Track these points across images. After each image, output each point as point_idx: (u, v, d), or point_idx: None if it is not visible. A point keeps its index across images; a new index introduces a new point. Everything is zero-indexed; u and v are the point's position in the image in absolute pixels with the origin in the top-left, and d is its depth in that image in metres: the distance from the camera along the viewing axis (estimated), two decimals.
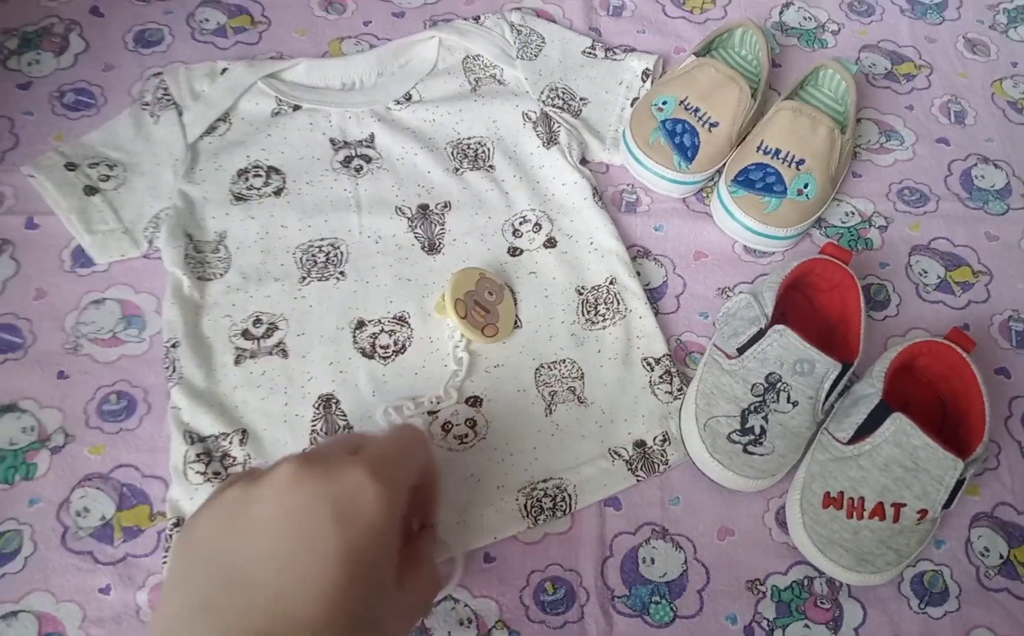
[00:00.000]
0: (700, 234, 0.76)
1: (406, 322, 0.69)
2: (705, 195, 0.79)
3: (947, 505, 0.60)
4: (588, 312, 0.70)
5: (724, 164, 0.77)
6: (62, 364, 0.66)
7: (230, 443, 0.62)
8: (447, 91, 0.81)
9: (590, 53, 0.85)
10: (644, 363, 0.68)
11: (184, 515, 0.60)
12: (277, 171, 0.75)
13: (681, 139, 0.75)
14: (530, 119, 0.79)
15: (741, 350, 0.64)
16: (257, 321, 0.68)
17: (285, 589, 0.39)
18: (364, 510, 0.41)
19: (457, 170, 0.76)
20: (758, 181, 0.73)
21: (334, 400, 0.65)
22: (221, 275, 0.69)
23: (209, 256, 0.70)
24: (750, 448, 0.62)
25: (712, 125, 0.75)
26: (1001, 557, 0.64)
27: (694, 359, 0.70)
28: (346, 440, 0.48)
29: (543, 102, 0.80)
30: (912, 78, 0.90)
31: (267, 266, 0.70)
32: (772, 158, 0.73)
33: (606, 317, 0.70)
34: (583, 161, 0.79)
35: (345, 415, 0.65)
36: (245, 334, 0.67)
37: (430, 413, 0.65)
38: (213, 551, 0.41)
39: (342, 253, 0.71)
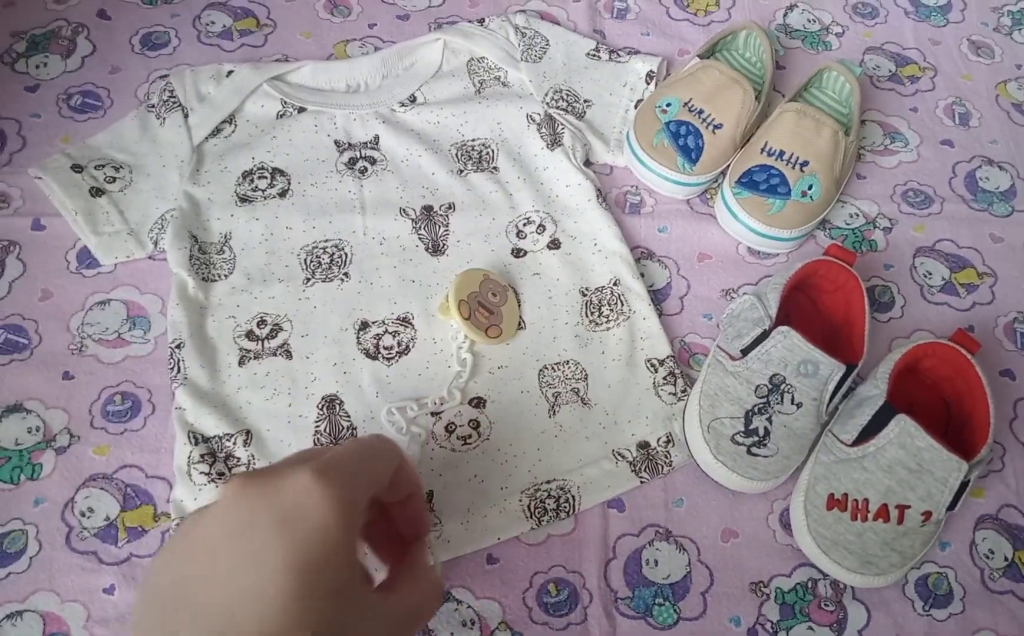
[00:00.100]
0: (704, 236, 0.76)
1: (410, 323, 0.69)
2: (709, 197, 0.79)
3: (951, 507, 0.60)
4: (592, 313, 0.70)
5: (728, 166, 0.77)
6: (67, 365, 0.66)
7: (234, 444, 0.63)
8: (451, 93, 0.81)
9: (594, 55, 0.85)
10: (648, 364, 0.68)
11: (187, 515, 0.60)
12: (282, 173, 0.75)
13: (685, 141, 0.75)
14: (534, 121, 0.79)
15: (745, 351, 0.64)
16: (261, 322, 0.68)
17: (233, 608, 0.37)
18: (310, 514, 0.39)
19: (461, 172, 0.76)
20: (762, 183, 0.73)
21: (338, 401, 0.65)
22: (226, 276, 0.69)
23: (214, 257, 0.70)
24: (754, 450, 0.62)
25: (716, 127, 0.75)
26: (1006, 559, 0.64)
27: (698, 361, 0.70)
28: (304, 453, 0.46)
29: (547, 104, 0.80)
30: (916, 80, 0.90)
31: (271, 267, 0.70)
32: (776, 160, 0.73)
33: (610, 318, 0.70)
34: (587, 163, 0.79)
35: (349, 416, 0.65)
36: (249, 335, 0.67)
37: (433, 414, 0.65)
38: (165, 583, 0.39)
39: (346, 254, 0.71)
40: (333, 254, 0.71)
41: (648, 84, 0.83)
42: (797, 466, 0.64)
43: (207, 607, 0.37)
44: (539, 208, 0.75)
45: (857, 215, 0.79)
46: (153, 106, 0.77)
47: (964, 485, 0.59)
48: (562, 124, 0.79)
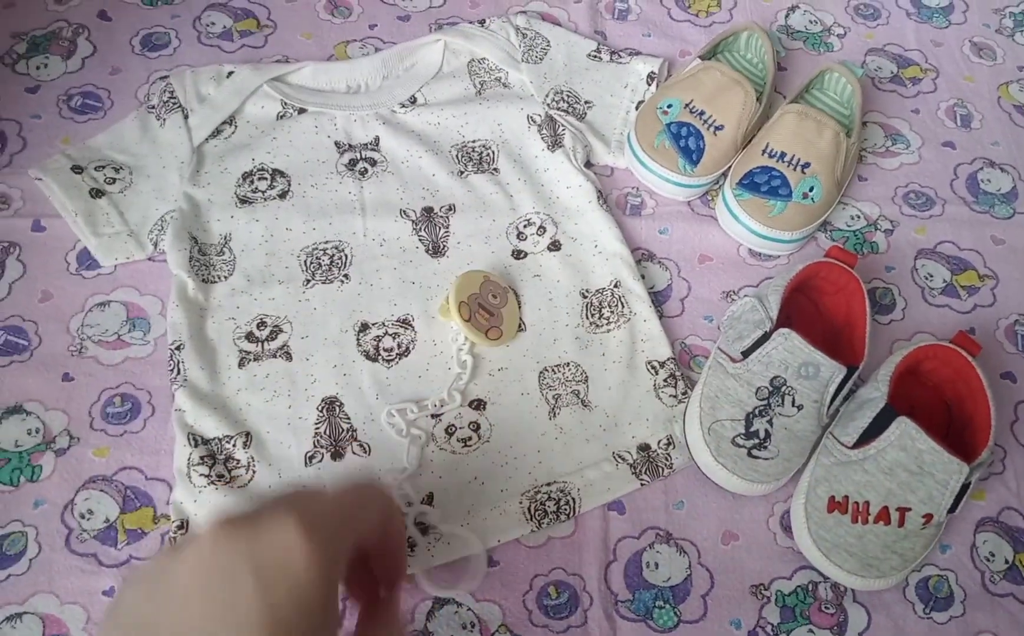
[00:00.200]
0: (705, 237, 0.76)
1: (410, 325, 0.69)
2: (710, 198, 0.79)
3: (952, 509, 0.59)
4: (592, 315, 0.70)
5: (729, 167, 0.77)
6: (67, 366, 0.66)
7: (234, 446, 0.63)
8: (452, 94, 0.81)
9: (595, 56, 0.85)
10: (648, 366, 0.68)
11: (187, 517, 0.60)
12: (282, 174, 0.75)
13: (686, 142, 0.75)
14: (535, 122, 0.79)
15: (746, 353, 0.63)
16: (261, 324, 0.68)
17: None
18: (291, 572, 0.37)
19: (462, 173, 0.76)
20: (763, 184, 0.73)
21: (338, 403, 0.65)
22: (226, 278, 0.69)
23: (214, 259, 0.70)
24: (755, 452, 0.62)
25: (717, 128, 0.75)
26: (1006, 562, 0.64)
27: (698, 363, 0.70)
28: (290, 496, 0.43)
29: (548, 105, 0.80)
30: (918, 82, 0.90)
31: (271, 269, 0.70)
32: (777, 161, 0.73)
33: (610, 320, 0.70)
34: (588, 164, 0.79)
35: (349, 418, 0.65)
36: (249, 337, 0.67)
37: (434, 416, 0.65)
38: (132, 621, 0.37)
39: (346, 256, 0.71)
40: (333, 255, 0.71)
41: (649, 85, 0.83)
42: (798, 468, 0.63)
43: None
44: (540, 210, 0.75)
45: (858, 217, 0.79)
46: (153, 107, 0.77)
47: (965, 487, 0.59)
48: (563, 125, 0.79)
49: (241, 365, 0.66)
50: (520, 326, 0.69)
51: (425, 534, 0.60)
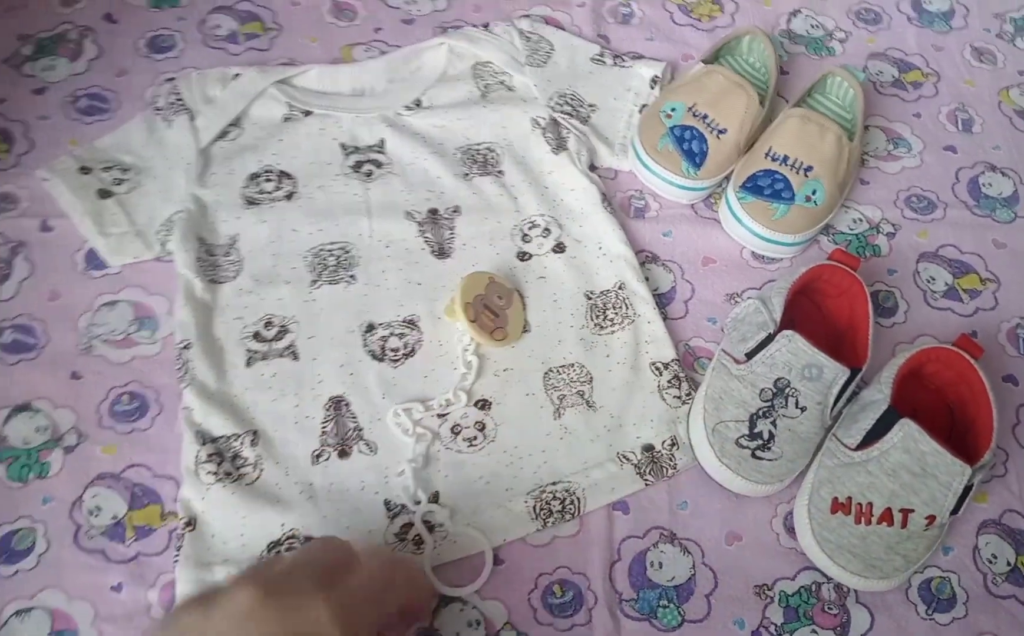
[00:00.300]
0: (708, 240, 0.77)
1: (416, 325, 0.69)
2: (713, 201, 0.79)
3: (955, 511, 0.60)
4: (597, 317, 0.71)
5: (732, 170, 0.77)
6: (75, 365, 0.66)
7: (241, 444, 0.63)
8: (457, 97, 0.81)
9: (599, 60, 0.85)
10: (652, 368, 0.69)
11: (195, 515, 0.60)
12: (288, 176, 0.75)
13: (689, 145, 0.76)
14: (539, 125, 0.80)
15: (750, 355, 0.64)
16: (268, 323, 0.68)
17: None
18: None
19: (467, 175, 0.77)
20: (766, 187, 0.73)
21: (344, 402, 0.66)
22: (233, 278, 0.70)
23: (221, 259, 0.70)
24: (758, 453, 0.62)
25: (720, 132, 0.76)
26: (1008, 564, 0.64)
27: (702, 364, 0.71)
28: (324, 564, 0.45)
29: (552, 108, 0.81)
30: (919, 86, 0.90)
31: (278, 269, 0.71)
32: (780, 164, 0.74)
33: (615, 322, 0.71)
34: (592, 167, 0.79)
35: (355, 417, 0.65)
36: (256, 336, 0.68)
37: (439, 416, 0.65)
38: None
39: (352, 257, 0.72)
40: (339, 256, 0.72)
41: (652, 89, 0.84)
42: (801, 470, 0.64)
43: None
44: (544, 212, 0.75)
45: (861, 220, 0.80)
46: (160, 109, 0.77)
47: (968, 489, 0.60)
48: (567, 128, 0.80)
49: (248, 364, 0.66)
50: (525, 327, 0.70)
51: (431, 533, 0.61)
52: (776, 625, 0.61)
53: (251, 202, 0.73)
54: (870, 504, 0.60)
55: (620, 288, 0.72)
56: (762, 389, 0.63)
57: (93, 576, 0.59)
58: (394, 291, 0.71)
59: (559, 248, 0.74)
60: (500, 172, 0.78)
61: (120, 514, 0.61)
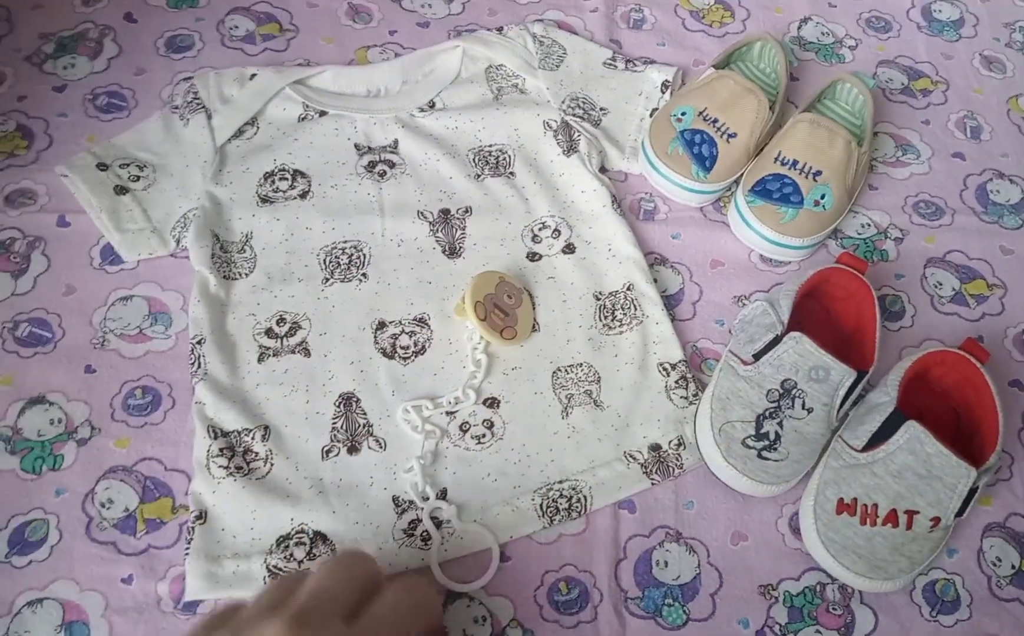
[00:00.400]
0: (717, 243, 0.77)
1: (426, 324, 0.70)
2: (722, 204, 0.80)
3: (960, 513, 0.60)
4: (605, 317, 0.71)
5: (741, 174, 0.78)
6: (89, 358, 0.67)
7: (252, 439, 0.64)
8: (470, 99, 0.82)
9: (610, 64, 0.86)
10: (660, 368, 0.69)
11: (206, 508, 0.61)
12: (303, 174, 0.76)
13: (699, 149, 0.76)
14: (551, 128, 0.80)
15: (757, 356, 0.64)
16: (281, 320, 0.69)
17: None
18: None
19: (478, 176, 0.78)
20: (775, 191, 0.74)
21: (355, 399, 0.66)
22: (247, 275, 0.71)
23: (235, 256, 0.71)
24: (764, 454, 0.63)
25: (730, 136, 0.76)
26: (1013, 567, 0.64)
27: (710, 365, 0.71)
28: (349, 589, 0.45)
29: (564, 111, 0.82)
30: (928, 93, 0.91)
31: (291, 267, 0.71)
32: (789, 169, 0.74)
33: (623, 322, 0.71)
34: (602, 169, 0.80)
35: (365, 414, 0.66)
36: (269, 332, 0.68)
37: (448, 413, 0.66)
38: None
39: (365, 255, 0.73)
40: (352, 255, 0.72)
41: (663, 93, 0.84)
42: (807, 470, 0.64)
43: None
44: (555, 213, 0.76)
45: (869, 225, 0.80)
46: (177, 107, 0.78)
47: (973, 492, 0.60)
48: (578, 131, 0.80)
49: (260, 360, 0.67)
50: (534, 326, 0.70)
51: (439, 529, 0.61)
52: (780, 625, 0.61)
53: (266, 200, 0.74)
54: (875, 505, 0.60)
55: (629, 289, 0.72)
56: (769, 390, 0.64)
57: (104, 568, 0.59)
58: (405, 290, 0.71)
59: (569, 249, 0.74)
60: (512, 173, 0.78)
61: (132, 507, 0.62)
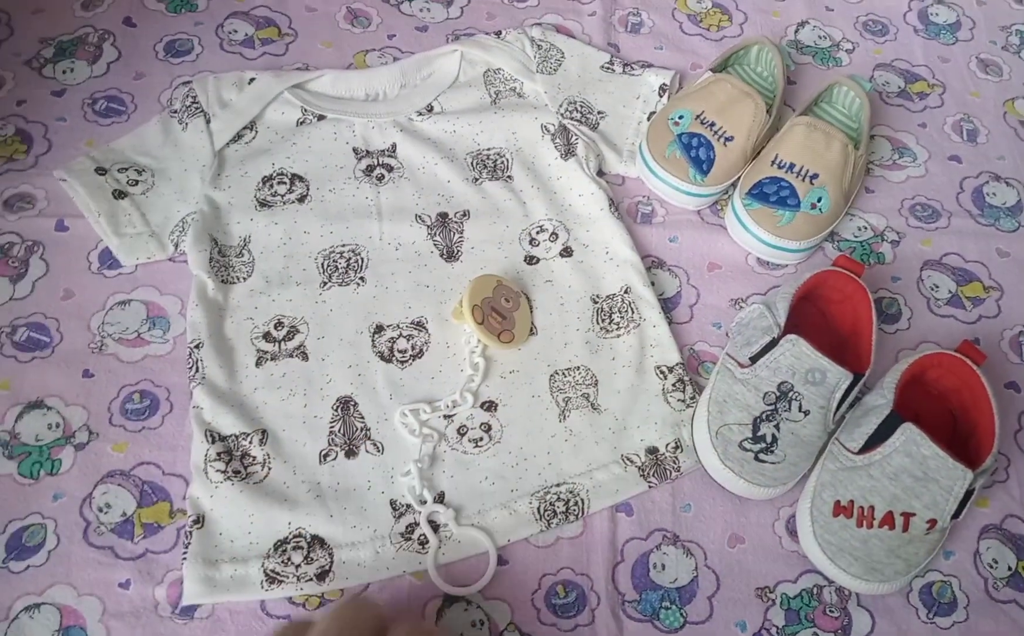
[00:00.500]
0: (714, 246, 0.78)
1: (424, 327, 0.70)
2: (719, 207, 0.80)
3: (956, 515, 0.60)
4: (603, 320, 0.71)
5: (739, 177, 0.78)
6: (88, 363, 0.67)
7: (250, 443, 0.64)
8: (468, 103, 0.82)
9: (608, 68, 0.86)
10: (657, 371, 0.69)
11: (203, 512, 0.61)
12: (301, 178, 0.76)
13: (697, 152, 0.76)
14: (548, 131, 0.81)
15: (754, 359, 0.64)
16: (279, 324, 0.69)
17: None
18: None
19: (476, 180, 0.78)
20: (772, 194, 0.74)
21: (352, 402, 0.66)
22: (245, 279, 0.71)
23: (233, 260, 0.71)
24: (761, 456, 0.63)
25: (727, 139, 0.77)
26: (1009, 569, 0.64)
27: (707, 368, 0.71)
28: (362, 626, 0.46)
29: (562, 115, 0.82)
30: (925, 96, 0.91)
31: (289, 271, 0.72)
32: (786, 172, 0.74)
33: (620, 325, 0.71)
34: (600, 173, 0.80)
35: (363, 417, 0.66)
36: (267, 336, 0.69)
37: (446, 416, 0.66)
38: None
39: (363, 259, 0.73)
40: (350, 259, 0.73)
41: (661, 97, 0.85)
42: (804, 473, 0.64)
43: None
44: (552, 216, 0.76)
45: (865, 228, 0.80)
46: (176, 111, 0.78)
47: (969, 494, 0.60)
48: (576, 135, 0.80)
49: (258, 364, 0.67)
50: (532, 330, 0.71)
51: (436, 532, 0.61)
52: (778, 627, 0.61)
53: (264, 204, 0.74)
54: (872, 507, 0.60)
55: (626, 292, 0.73)
56: (766, 393, 0.64)
57: (102, 572, 0.59)
58: (403, 293, 0.71)
59: (566, 252, 0.75)
60: (509, 177, 0.78)
61: (129, 511, 0.62)
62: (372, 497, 0.63)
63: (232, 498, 0.61)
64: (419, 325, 0.70)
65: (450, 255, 0.74)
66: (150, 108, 0.81)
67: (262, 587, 0.59)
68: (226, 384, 0.66)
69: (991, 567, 0.64)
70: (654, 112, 0.83)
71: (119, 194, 0.73)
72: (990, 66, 0.94)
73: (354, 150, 0.79)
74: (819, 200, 0.74)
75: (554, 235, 0.75)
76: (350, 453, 0.64)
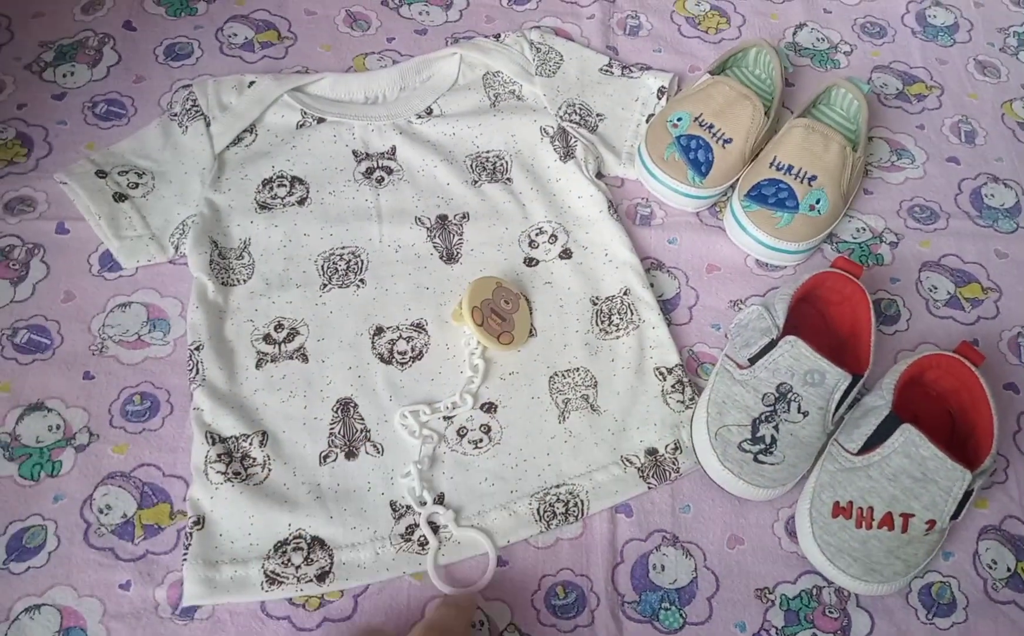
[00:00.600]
0: (713, 247, 0.78)
1: (424, 329, 0.70)
2: (718, 209, 0.80)
3: (955, 516, 0.60)
4: (602, 322, 0.72)
5: (737, 179, 0.78)
6: (88, 365, 0.68)
7: (250, 444, 0.64)
8: (467, 106, 0.82)
9: (607, 71, 0.87)
10: (657, 373, 0.70)
11: (204, 514, 0.61)
12: (301, 181, 0.77)
13: (695, 154, 0.77)
14: (547, 134, 0.81)
15: (753, 360, 0.65)
16: (279, 326, 0.69)
17: None
18: None
19: (476, 182, 0.78)
20: (771, 196, 0.74)
21: (352, 404, 0.66)
22: (245, 281, 0.71)
23: (233, 262, 0.72)
24: (760, 457, 0.63)
25: (726, 141, 0.77)
26: (1008, 570, 0.64)
27: (706, 369, 0.71)
28: None
29: (561, 117, 0.82)
30: (923, 98, 0.91)
31: (289, 273, 0.72)
32: (785, 174, 0.74)
33: (620, 327, 0.71)
34: (599, 175, 0.80)
35: (363, 419, 0.66)
36: (267, 338, 0.69)
37: (446, 418, 0.66)
38: None
39: (362, 261, 0.73)
40: (350, 261, 0.73)
41: (660, 99, 0.85)
42: (803, 474, 0.64)
43: None
44: (551, 218, 0.76)
45: (864, 230, 0.81)
46: (176, 114, 0.79)
47: (968, 495, 0.60)
48: (575, 137, 0.81)
49: (258, 366, 0.67)
50: (531, 331, 0.71)
51: (436, 533, 0.61)
52: (777, 628, 0.61)
53: (264, 207, 0.75)
54: (871, 508, 0.60)
55: (625, 294, 0.73)
56: (765, 394, 0.64)
57: (102, 574, 0.60)
58: (403, 295, 0.72)
59: (566, 254, 0.75)
60: (509, 179, 0.79)
61: (130, 513, 0.62)
62: (372, 498, 0.63)
63: (232, 499, 0.61)
64: (419, 327, 0.70)
65: (450, 257, 0.74)
66: (150, 111, 0.81)
67: (262, 588, 0.59)
68: (226, 386, 0.66)
69: (990, 568, 0.64)
70: (653, 114, 0.84)
71: (119, 197, 0.73)
72: (988, 68, 0.94)
73: (354, 153, 0.79)
74: (817, 202, 0.74)
75: (553, 237, 0.75)
76: (350, 454, 0.65)
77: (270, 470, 0.63)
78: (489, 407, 0.67)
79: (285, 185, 0.76)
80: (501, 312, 0.69)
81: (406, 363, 0.69)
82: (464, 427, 0.66)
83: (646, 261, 0.76)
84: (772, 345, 0.64)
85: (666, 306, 0.74)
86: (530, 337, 0.70)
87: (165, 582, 0.60)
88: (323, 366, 0.68)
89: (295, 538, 0.61)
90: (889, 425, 0.62)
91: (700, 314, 0.74)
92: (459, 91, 0.83)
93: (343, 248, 0.73)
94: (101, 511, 0.62)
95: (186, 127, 0.78)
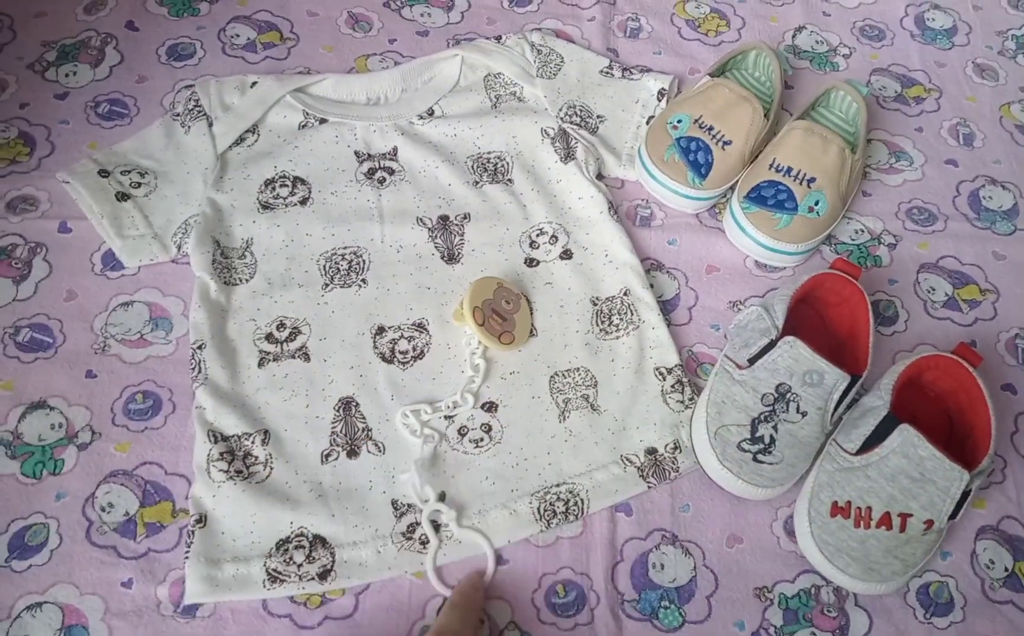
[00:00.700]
0: (712, 248, 0.78)
1: (425, 329, 0.70)
2: (718, 211, 0.80)
3: (953, 516, 0.61)
4: (602, 322, 0.72)
5: (737, 181, 0.78)
6: (90, 363, 0.68)
7: (252, 443, 0.64)
8: (468, 107, 0.83)
9: (607, 73, 0.87)
10: (656, 373, 0.70)
11: (206, 512, 0.61)
12: (303, 181, 0.77)
13: (695, 156, 0.77)
14: (548, 135, 0.81)
15: (752, 361, 0.65)
16: (281, 325, 0.70)
17: None
18: None
19: (477, 183, 0.78)
20: (770, 198, 0.74)
21: (354, 403, 0.67)
22: (247, 280, 0.71)
23: (236, 262, 0.72)
24: (759, 457, 0.63)
25: (725, 143, 0.77)
26: (1006, 570, 0.65)
27: (705, 370, 0.72)
28: None
29: (561, 119, 0.82)
30: (922, 101, 0.92)
31: (291, 272, 0.72)
32: (784, 176, 0.75)
33: (620, 327, 0.72)
34: (599, 176, 0.81)
35: (364, 418, 0.66)
36: (269, 338, 0.69)
37: (447, 417, 0.67)
38: None
39: (364, 261, 0.73)
40: (351, 261, 0.73)
41: (660, 101, 0.85)
42: (802, 474, 0.65)
43: None
44: (552, 219, 0.77)
45: (862, 231, 0.81)
46: (178, 115, 0.79)
47: (966, 495, 0.60)
48: (575, 138, 0.81)
49: (260, 365, 0.68)
50: (532, 331, 0.71)
51: (437, 532, 0.62)
52: (776, 627, 0.61)
53: (266, 207, 0.75)
54: (869, 508, 0.61)
55: (625, 294, 0.73)
56: (764, 394, 0.64)
57: (104, 572, 0.60)
58: (404, 295, 0.72)
59: (566, 255, 0.75)
60: (510, 180, 0.79)
61: (132, 511, 0.62)
62: (373, 497, 0.63)
63: (234, 498, 0.62)
64: (420, 327, 0.71)
65: (451, 257, 0.74)
66: (152, 111, 0.81)
67: (264, 586, 0.59)
68: (228, 385, 0.66)
69: (988, 568, 0.65)
70: (653, 116, 0.84)
71: (122, 196, 0.74)
72: (986, 71, 0.95)
73: (356, 153, 0.79)
74: (816, 203, 0.74)
75: (554, 238, 0.76)
76: (352, 453, 0.65)
77: (272, 469, 0.64)
78: (490, 406, 0.67)
79: (287, 185, 0.76)
80: (502, 312, 0.69)
81: (407, 362, 0.69)
82: (465, 426, 0.66)
83: (646, 262, 0.76)
84: (771, 346, 0.65)
85: (666, 307, 0.74)
86: (531, 337, 0.71)
87: (167, 580, 0.60)
88: (325, 365, 0.68)
89: (297, 536, 0.61)
90: (887, 425, 0.62)
91: (699, 315, 0.75)
92: (460, 92, 0.84)
93: (345, 248, 0.74)
94: (103, 509, 0.62)
95: (188, 127, 0.78)
